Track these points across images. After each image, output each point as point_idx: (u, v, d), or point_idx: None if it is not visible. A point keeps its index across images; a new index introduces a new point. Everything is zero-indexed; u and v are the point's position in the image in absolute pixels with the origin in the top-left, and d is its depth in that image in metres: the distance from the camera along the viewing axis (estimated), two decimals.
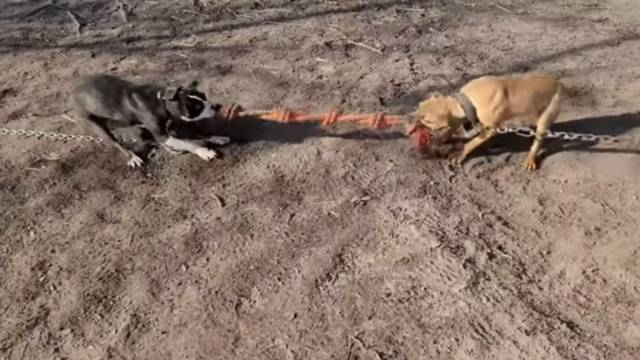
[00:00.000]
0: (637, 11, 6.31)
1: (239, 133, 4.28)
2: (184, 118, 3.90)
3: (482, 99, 3.59)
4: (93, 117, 4.00)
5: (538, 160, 3.82)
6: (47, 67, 5.57)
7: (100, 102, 3.90)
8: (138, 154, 4.09)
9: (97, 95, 3.89)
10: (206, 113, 3.90)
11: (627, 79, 4.82)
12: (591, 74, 4.95)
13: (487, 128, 3.68)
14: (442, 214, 3.43)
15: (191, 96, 3.85)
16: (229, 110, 3.98)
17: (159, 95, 3.86)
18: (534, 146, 3.80)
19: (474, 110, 3.60)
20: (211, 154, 4.00)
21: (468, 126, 3.80)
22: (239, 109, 4.04)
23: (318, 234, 3.33)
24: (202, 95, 3.93)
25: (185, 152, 4.08)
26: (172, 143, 4.03)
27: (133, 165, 4.00)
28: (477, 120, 3.67)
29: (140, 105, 3.86)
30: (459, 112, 3.61)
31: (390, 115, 3.98)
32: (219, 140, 4.20)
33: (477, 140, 3.79)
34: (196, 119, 3.92)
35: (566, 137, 3.66)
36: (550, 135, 3.68)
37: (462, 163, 3.84)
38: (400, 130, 4.07)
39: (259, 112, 4.09)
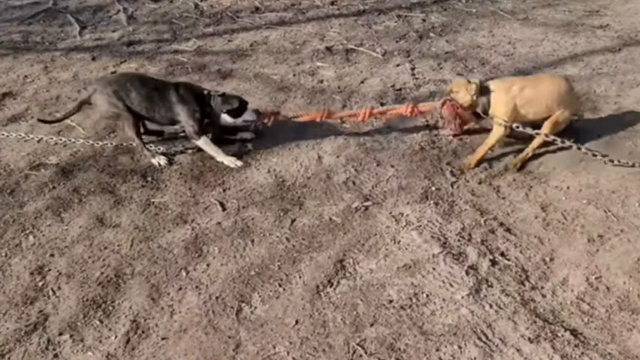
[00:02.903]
0: (638, 17, 6.32)
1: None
2: (226, 118, 4.00)
3: (499, 88, 3.80)
4: (130, 110, 3.96)
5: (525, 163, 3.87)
6: (47, 70, 5.56)
7: (145, 98, 3.94)
8: (163, 154, 4.13)
9: (142, 91, 3.93)
10: (247, 116, 4.05)
11: (629, 85, 4.82)
12: (592, 80, 4.94)
13: (495, 120, 3.77)
14: (444, 220, 3.41)
15: (237, 96, 4.04)
16: (270, 115, 4.13)
17: (205, 92, 4.01)
18: (530, 147, 3.84)
19: (489, 94, 3.80)
20: (239, 163, 3.99)
21: (480, 116, 3.93)
22: (278, 113, 4.21)
23: (319, 240, 3.31)
24: (245, 100, 4.09)
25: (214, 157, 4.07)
26: (203, 143, 4.02)
27: (157, 164, 4.00)
28: (489, 108, 3.81)
29: (187, 98, 3.95)
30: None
31: (422, 103, 4.20)
32: (247, 135, 4.27)
33: (488, 142, 3.82)
34: (238, 120, 4.03)
35: (565, 143, 3.76)
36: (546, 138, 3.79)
37: (475, 166, 3.85)
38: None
39: (297, 114, 4.26)
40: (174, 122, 4.08)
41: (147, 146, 4.09)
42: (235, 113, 3.99)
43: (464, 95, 3.82)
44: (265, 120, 4.11)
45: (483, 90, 3.81)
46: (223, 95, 3.98)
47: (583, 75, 5.05)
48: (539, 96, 3.77)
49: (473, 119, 4.10)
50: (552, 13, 6.57)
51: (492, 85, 3.85)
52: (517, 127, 3.77)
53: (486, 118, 3.87)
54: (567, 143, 3.74)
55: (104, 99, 3.94)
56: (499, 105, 3.77)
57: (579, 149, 3.75)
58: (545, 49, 5.62)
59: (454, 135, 4.14)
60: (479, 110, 3.87)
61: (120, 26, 6.65)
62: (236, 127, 4.18)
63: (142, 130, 4.18)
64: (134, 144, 4.11)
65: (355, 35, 6.14)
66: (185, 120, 3.98)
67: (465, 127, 4.17)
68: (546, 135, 3.76)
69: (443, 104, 3.96)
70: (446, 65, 5.36)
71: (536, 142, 3.82)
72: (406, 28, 6.31)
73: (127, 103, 3.93)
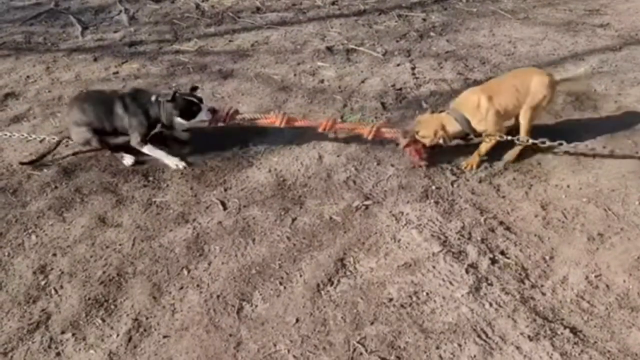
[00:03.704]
0: (639, 16, 6.31)
1: (241, 137, 4.30)
2: (179, 121, 3.90)
3: (470, 108, 3.72)
4: (94, 131, 3.98)
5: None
6: (49, 71, 5.58)
7: (93, 114, 3.92)
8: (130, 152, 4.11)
9: (88, 108, 3.92)
10: (202, 116, 3.90)
11: (629, 84, 4.82)
12: (593, 79, 4.94)
13: (488, 134, 3.71)
14: (444, 219, 3.42)
15: (188, 98, 3.86)
16: (227, 114, 3.98)
17: (153, 98, 3.86)
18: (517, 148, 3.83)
19: (468, 121, 3.72)
20: (181, 164, 3.97)
21: (466, 137, 3.86)
22: (236, 112, 4.03)
23: (320, 239, 3.33)
24: (200, 99, 3.93)
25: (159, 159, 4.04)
26: (148, 150, 4.00)
27: (126, 163, 4.01)
28: (474, 130, 3.75)
29: (132, 108, 3.87)
30: (454, 127, 3.73)
31: (386, 127, 4.01)
32: (184, 136, 4.22)
33: (482, 150, 3.82)
34: (192, 122, 3.91)
35: (548, 144, 3.72)
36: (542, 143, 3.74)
37: (477, 167, 3.84)
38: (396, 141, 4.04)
39: (256, 117, 4.09)
40: (124, 133, 4.03)
41: (117, 150, 4.09)
42: (189, 115, 3.87)
43: (431, 141, 3.73)
44: (221, 122, 3.98)
45: (460, 120, 3.70)
46: (173, 98, 3.80)
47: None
48: (507, 95, 3.70)
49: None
50: (553, 12, 6.57)
51: (462, 108, 3.73)
52: (517, 139, 3.73)
53: (480, 138, 3.80)
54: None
55: (74, 133, 4.02)
56: (481, 126, 3.72)
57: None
58: (545, 48, 5.62)
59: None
60: (467, 134, 3.80)
61: (122, 27, 6.67)
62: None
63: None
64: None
65: (356, 35, 6.15)
66: (130, 131, 3.94)
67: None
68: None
69: (407, 145, 3.79)
70: (447, 65, 5.37)
71: (523, 131, 3.79)
72: (407, 28, 6.31)
73: (89, 123, 3.94)
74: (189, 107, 3.85)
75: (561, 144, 3.70)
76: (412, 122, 3.86)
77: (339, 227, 3.40)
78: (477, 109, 3.69)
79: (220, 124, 4.01)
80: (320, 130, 4.02)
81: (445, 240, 3.25)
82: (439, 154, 3.99)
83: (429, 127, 3.73)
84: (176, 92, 3.87)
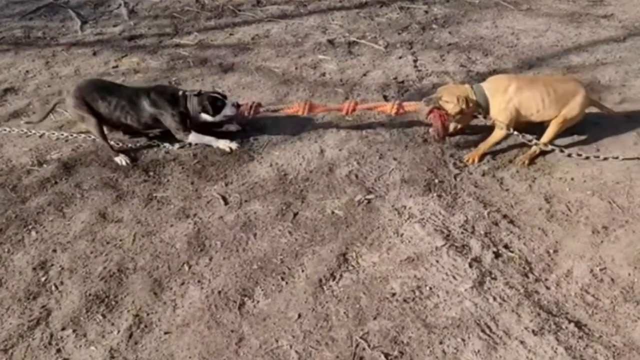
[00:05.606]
0: None
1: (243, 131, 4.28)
2: (205, 116, 3.99)
3: (496, 90, 3.68)
4: (95, 114, 3.98)
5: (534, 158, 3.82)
6: (48, 66, 5.55)
7: (115, 108, 3.97)
8: (127, 152, 4.08)
9: (111, 101, 3.96)
10: (227, 111, 4.01)
11: (634, 75, 4.78)
12: (597, 70, 4.90)
13: (496, 123, 3.66)
14: (447, 213, 3.40)
15: (213, 94, 4.00)
16: (250, 107, 4.05)
17: (180, 93, 3.99)
18: (534, 148, 3.79)
19: (486, 98, 3.69)
20: (234, 145, 4.03)
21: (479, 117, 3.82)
22: (259, 105, 4.11)
23: (322, 233, 3.30)
24: (224, 95, 4.06)
25: (209, 145, 4.10)
26: (194, 138, 4.06)
27: (119, 163, 3.99)
28: (488, 112, 3.71)
29: (161, 104, 3.95)
30: (474, 97, 3.70)
31: (408, 102, 4.03)
32: (232, 127, 4.28)
33: (489, 142, 3.78)
34: (217, 117, 4.01)
35: (566, 153, 3.72)
36: (550, 147, 3.72)
37: (480, 161, 3.81)
38: (418, 116, 4.09)
39: (279, 107, 4.16)
40: (151, 127, 4.12)
41: (111, 145, 4.08)
42: (214, 111, 3.98)
43: (454, 107, 3.69)
44: (246, 114, 4.05)
45: (478, 94, 3.69)
46: (199, 94, 3.97)
47: (587, 65, 5.01)
48: (537, 97, 3.64)
49: (468, 119, 3.94)
50: (556, 3, 6.51)
51: (488, 86, 3.73)
52: (518, 135, 3.68)
53: (488, 121, 3.74)
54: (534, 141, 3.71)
55: (71, 102, 4.02)
56: (498, 109, 3.67)
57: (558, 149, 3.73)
58: (549, 40, 5.57)
59: (438, 140, 3.96)
60: (478, 114, 3.75)
61: (122, 20, 6.62)
62: (221, 121, 4.18)
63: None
64: (98, 141, 4.14)
65: (358, 28, 6.10)
66: (169, 125, 4.03)
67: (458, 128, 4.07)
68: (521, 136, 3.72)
69: (430, 111, 3.78)
70: (449, 57, 5.32)
71: (546, 137, 3.73)
72: (408, 20, 6.26)
73: (95, 110, 3.97)
74: (214, 103, 3.96)
75: (562, 151, 3.73)
76: (435, 91, 3.88)
77: (341, 222, 3.37)
78: (503, 92, 3.65)
79: (245, 116, 4.09)
80: (343, 113, 4.08)
81: (448, 234, 3.23)
82: (442, 147, 3.96)
83: (452, 93, 3.72)
84: (201, 90, 4.03)
